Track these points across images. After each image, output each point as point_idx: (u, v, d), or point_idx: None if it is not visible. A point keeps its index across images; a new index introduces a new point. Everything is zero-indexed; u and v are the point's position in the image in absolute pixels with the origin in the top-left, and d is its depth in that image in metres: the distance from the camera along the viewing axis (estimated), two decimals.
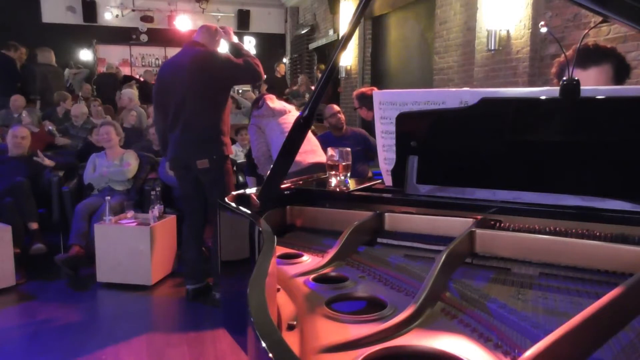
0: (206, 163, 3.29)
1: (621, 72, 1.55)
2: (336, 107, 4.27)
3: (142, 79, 10.19)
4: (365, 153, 4.13)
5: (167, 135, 3.42)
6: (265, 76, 3.61)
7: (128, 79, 9.56)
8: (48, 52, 7.84)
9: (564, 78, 1.09)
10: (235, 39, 3.53)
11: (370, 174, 4.03)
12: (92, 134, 5.16)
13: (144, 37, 12.40)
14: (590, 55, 1.52)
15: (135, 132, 5.86)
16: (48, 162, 4.57)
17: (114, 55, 12.33)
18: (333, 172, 1.49)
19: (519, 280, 0.96)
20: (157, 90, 3.44)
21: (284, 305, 0.92)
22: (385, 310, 0.86)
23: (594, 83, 1.49)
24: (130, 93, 6.90)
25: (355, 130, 4.43)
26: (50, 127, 5.74)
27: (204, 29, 3.46)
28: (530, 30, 4.35)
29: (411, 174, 1.33)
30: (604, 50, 1.56)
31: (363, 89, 4.22)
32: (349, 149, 1.50)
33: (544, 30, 1.23)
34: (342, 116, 4.22)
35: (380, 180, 1.55)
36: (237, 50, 3.39)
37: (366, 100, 4.03)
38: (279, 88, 9.72)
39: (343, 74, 8.90)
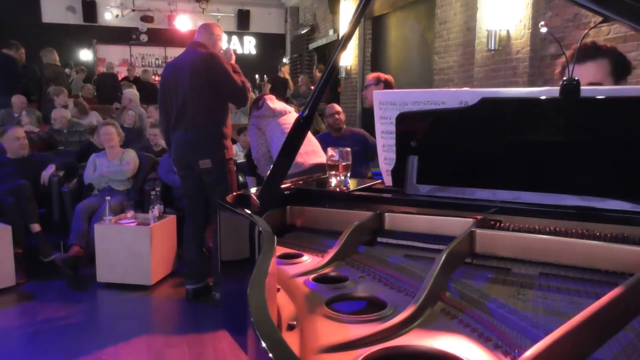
0: (209, 163, 3.30)
1: (620, 69, 1.56)
2: (336, 107, 4.26)
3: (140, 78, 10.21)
4: (364, 154, 4.11)
5: (170, 135, 3.45)
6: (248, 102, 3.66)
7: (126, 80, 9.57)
8: (51, 52, 7.85)
9: (564, 78, 1.09)
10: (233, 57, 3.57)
11: (370, 174, 4.01)
12: (92, 135, 5.15)
13: (144, 37, 12.41)
14: (587, 51, 1.55)
15: (135, 132, 5.86)
16: (48, 173, 4.55)
17: (114, 55, 12.34)
18: (333, 172, 1.49)
19: (519, 280, 0.96)
20: (160, 91, 3.48)
21: (284, 305, 0.92)
22: (385, 310, 0.86)
23: (591, 77, 1.52)
24: (131, 93, 6.89)
25: (354, 130, 4.41)
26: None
27: (203, 28, 3.48)
28: (530, 30, 4.35)
29: (411, 174, 1.33)
30: (601, 48, 1.58)
31: (380, 73, 4.06)
32: (349, 149, 1.50)
33: (544, 30, 1.23)
34: (340, 117, 4.19)
35: (380, 180, 1.54)
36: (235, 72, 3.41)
37: (380, 82, 3.92)
38: (282, 89, 9.75)
39: (343, 74, 8.90)
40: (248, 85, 3.43)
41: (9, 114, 6.42)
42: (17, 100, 6.48)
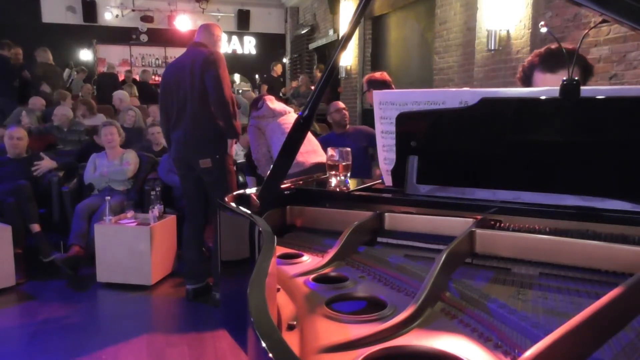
0: (209, 162, 3.31)
1: (586, 73, 1.55)
2: (341, 104, 4.27)
3: (138, 79, 10.23)
4: (369, 150, 4.09)
5: (171, 135, 3.45)
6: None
7: (124, 82, 9.60)
8: (44, 51, 7.87)
9: (564, 78, 1.09)
10: None
11: (378, 173, 3.99)
12: (92, 135, 5.14)
13: (144, 37, 12.41)
14: (558, 59, 1.50)
15: (135, 132, 5.86)
16: (49, 162, 4.56)
17: (114, 55, 12.33)
18: (333, 172, 1.49)
19: (519, 280, 0.96)
20: (161, 91, 3.50)
21: (284, 305, 0.92)
22: (385, 310, 0.86)
23: None
24: (121, 94, 6.89)
25: (357, 127, 4.42)
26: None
27: (203, 28, 3.50)
28: (530, 30, 4.35)
29: (411, 174, 1.33)
30: (571, 53, 1.55)
31: (373, 73, 4.10)
32: (349, 149, 1.50)
33: (544, 30, 1.23)
34: (346, 113, 4.21)
35: (380, 180, 1.55)
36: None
37: (375, 84, 3.96)
38: (276, 88, 9.76)
39: (343, 74, 8.91)
40: (234, 103, 3.36)
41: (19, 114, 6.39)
42: (37, 102, 6.48)
